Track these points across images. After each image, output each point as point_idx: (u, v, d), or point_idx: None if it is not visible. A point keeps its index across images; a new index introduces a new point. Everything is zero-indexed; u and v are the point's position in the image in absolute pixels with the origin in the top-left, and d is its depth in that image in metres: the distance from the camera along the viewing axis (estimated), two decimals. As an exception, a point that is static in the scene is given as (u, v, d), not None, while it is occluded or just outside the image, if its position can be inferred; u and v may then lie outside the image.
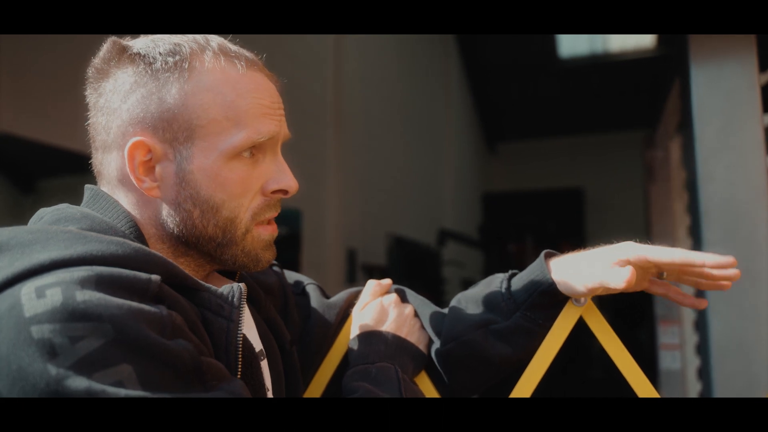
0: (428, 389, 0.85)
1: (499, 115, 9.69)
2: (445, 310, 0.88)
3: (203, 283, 0.62)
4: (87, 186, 0.69)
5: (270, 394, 0.70)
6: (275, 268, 0.89)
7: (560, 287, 0.77)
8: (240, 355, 0.60)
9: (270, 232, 0.70)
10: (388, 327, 0.84)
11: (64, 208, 0.64)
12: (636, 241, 0.75)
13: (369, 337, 0.82)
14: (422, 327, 0.88)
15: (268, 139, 0.66)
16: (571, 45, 7.79)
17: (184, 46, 0.64)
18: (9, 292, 0.49)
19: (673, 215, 3.66)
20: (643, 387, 0.74)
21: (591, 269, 0.74)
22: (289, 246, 4.08)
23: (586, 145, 9.55)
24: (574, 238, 8.64)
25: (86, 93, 0.67)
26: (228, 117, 0.64)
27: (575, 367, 5.18)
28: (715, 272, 0.73)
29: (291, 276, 0.92)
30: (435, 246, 6.83)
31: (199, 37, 0.67)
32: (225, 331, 0.59)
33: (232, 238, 0.66)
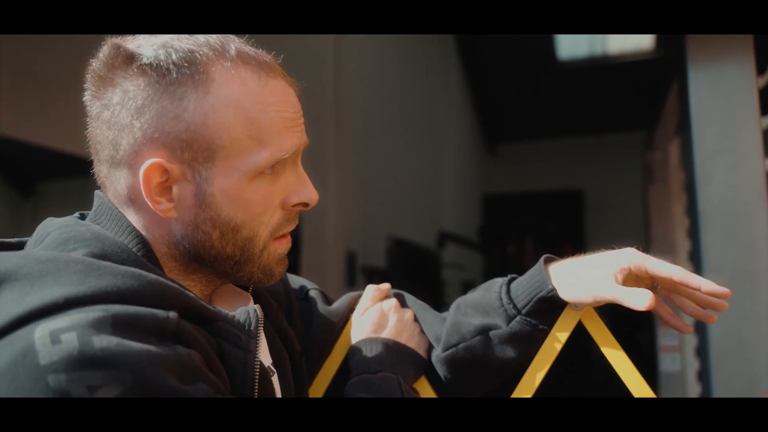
0: (428, 394, 0.85)
1: (499, 116, 9.69)
2: (445, 315, 0.88)
3: (220, 311, 0.60)
4: (97, 193, 0.66)
5: None
6: None
7: (560, 293, 0.77)
8: (257, 384, 0.59)
9: (285, 245, 0.68)
10: (388, 332, 0.84)
11: (72, 225, 0.61)
12: (636, 248, 0.75)
13: (370, 343, 0.82)
14: (422, 332, 0.88)
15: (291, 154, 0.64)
16: (571, 47, 7.79)
17: (200, 54, 0.60)
18: (21, 334, 0.47)
19: (672, 217, 3.67)
20: (641, 391, 0.74)
21: (592, 276, 0.74)
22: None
23: (585, 147, 9.54)
24: (574, 239, 8.66)
25: (86, 99, 0.63)
26: (251, 135, 0.60)
27: (575, 371, 5.17)
28: (707, 298, 0.73)
29: (294, 280, 0.92)
30: (435, 248, 6.82)
31: (214, 40, 0.62)
32: (242, 363, 0.58)
33: (249, 256, 0.65)
